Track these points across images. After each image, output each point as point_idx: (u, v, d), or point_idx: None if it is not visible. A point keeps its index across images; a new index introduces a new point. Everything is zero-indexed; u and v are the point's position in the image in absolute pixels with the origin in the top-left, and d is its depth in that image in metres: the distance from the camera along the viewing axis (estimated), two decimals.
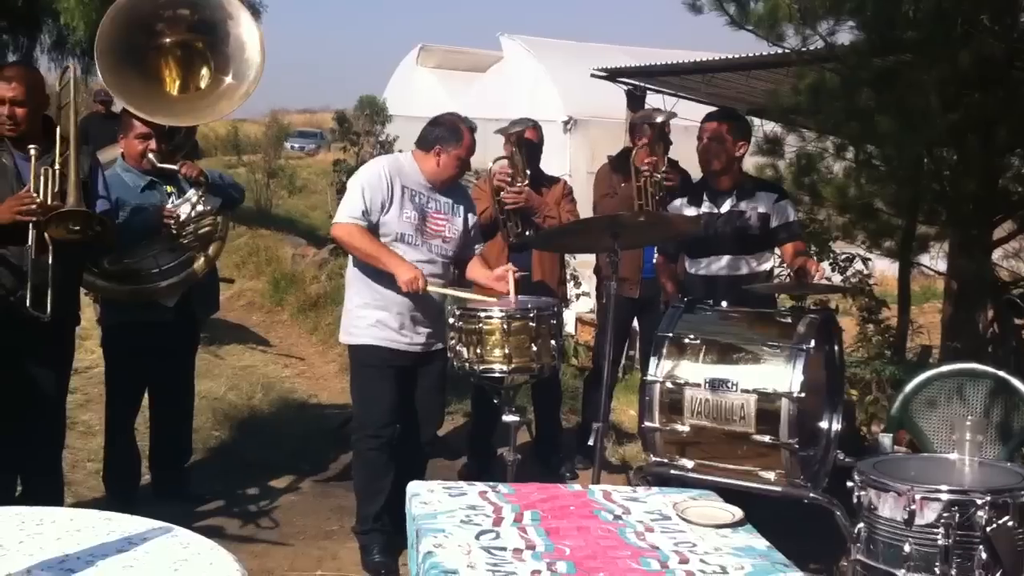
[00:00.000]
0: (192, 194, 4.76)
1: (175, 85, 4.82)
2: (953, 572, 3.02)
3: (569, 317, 8.66)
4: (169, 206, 4.72)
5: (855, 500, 3.27)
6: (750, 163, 6.06)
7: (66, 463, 4.72)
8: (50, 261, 3.94)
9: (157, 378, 5.01)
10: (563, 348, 4.49)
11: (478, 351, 4.02)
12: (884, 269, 8.83)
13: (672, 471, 3.95)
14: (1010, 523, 3.01)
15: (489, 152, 5.47)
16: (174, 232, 4.68)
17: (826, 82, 5.83)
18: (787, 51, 5.84)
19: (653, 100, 9.83)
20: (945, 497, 3.05)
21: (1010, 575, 3.00)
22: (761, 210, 4.66)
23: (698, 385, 3.89)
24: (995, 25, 5.12)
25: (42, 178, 3.96)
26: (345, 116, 17.29)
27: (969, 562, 3.03)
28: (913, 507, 3.06)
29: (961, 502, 3.04)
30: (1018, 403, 4.07)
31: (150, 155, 4.69)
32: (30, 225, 3.90)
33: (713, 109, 5.34)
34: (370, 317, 4.41)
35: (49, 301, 3.94)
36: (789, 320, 4.07)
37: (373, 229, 4.35)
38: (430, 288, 4.31)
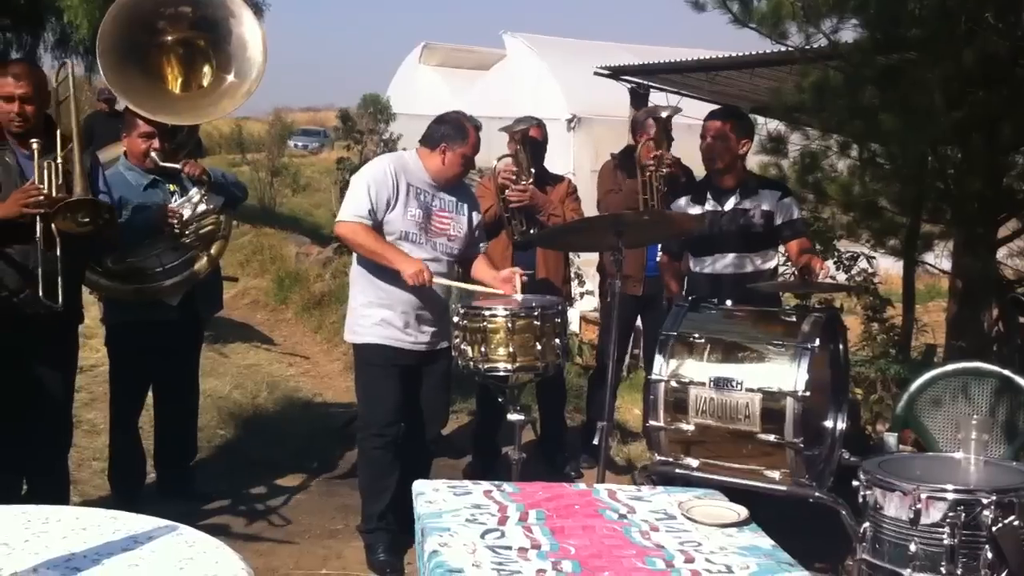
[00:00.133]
0: (195, 193, 4.76)
1: (177, 83, 4.83)
2: (959, 571, 3.01)
3: (573, 316, 8.64)
4: (172, 205, 4.72)
5: (860, 499, 3.26)
6: (754, 162, 6.06)
7: (72, 462, 4.71)
8: (58, 253, 3.93)
9: (161, 377, 5.01)
10: (567, 347, 4.49)
11: (482, 350, 4.02)
12: (888, 268, 8.82)
13: (677, 470, 3.95)
14: (1016, 522, 3.00)
15: (492, 150, 5.46)
16: (177, 231, 4.69)
17: (830, 80, 5.83)
18: (790, 49, 5.84)
19: (656, 98, 9.83)
20: (951, 496, 3.04)
21: (1016, 574, 3.00)
22: (765, 208, 4.66)
23: (703, 384, 3.89)
24: (999, 23, 5.12)
25: (46, 171, 3.96)
26: (349, 114, 17.30)
27: (975, 561, 3.02)
28: (919, 506, 3.06)
29: (967, 501, 3.03)
30: (1023, 402, 4.07)
31: (153, 154, 4.69)
32: (37, 219, 3.90)
33: (716, 107, 5.34)
34: (375, 316, 4.41)
35: (60, 291, 3.94)
36: (794, 319, 4.06)
37: (378, 227, 4.34)
38: (436, 280, 4.31)
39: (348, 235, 4.38)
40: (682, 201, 4.86)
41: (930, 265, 7.27)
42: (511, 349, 4.00)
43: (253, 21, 4.80)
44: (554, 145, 6.02)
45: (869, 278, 7.83)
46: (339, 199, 4.85)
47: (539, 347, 4.03)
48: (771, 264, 4.84)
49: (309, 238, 13.29)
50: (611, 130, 11.70)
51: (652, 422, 3.99)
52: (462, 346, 4.07)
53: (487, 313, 4.04)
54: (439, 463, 5.26)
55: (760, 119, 6.60)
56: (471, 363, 4.06)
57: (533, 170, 5.35)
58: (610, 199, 5.72)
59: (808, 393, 3.74)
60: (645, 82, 10.06)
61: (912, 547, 3.07)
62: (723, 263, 4.71)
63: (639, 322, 6.26)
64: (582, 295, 8.55)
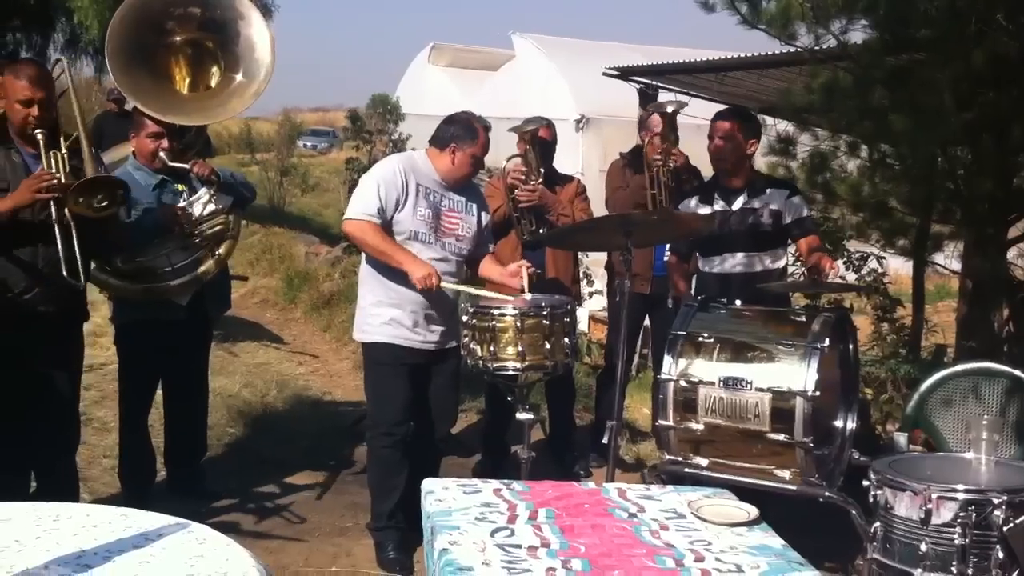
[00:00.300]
0: (204, 193, 4.77)
1: (185, 84, 4.84)
2: (970, 571, 3.01)
3: (582, 315, 8.66)
4: (181, 204, 4.73)
5: (871, 499, 3.26)
6: (763, 162, 6.05)
7: (82, 459, 4.73)
8: (74, 239, 3.94)
9: (170, 375, 5.02)
10: (576, 346, 4.49)
11: (492, 349, 4.01)
12: (898, 268, 8.81)
13: (686, 469, 3.95)
14: None
15: (501, 151, 5.46)
16: (186, 231, 4.70)
17: (839, 81, 5.81)
18: (799, 50, 5.83)
19: (665, 98, 9.82)
20: (961, 496, 3.04)
21: None
22: (773, 207, 4.66)
23: (712, 383, 3.89)
24: (1009, 24, 5.10)
25: (54, 161, 3.97)
26: (358, 114, 17.36)
27: (986, 561, 3.02)
28: (929, 506, 3.05)
29: (978, 501, 3.03)
30: None
31: (162, 154, 4.71)
32: (51, 204, 3.91)
33: (723, 107, 5.34)
34: (384, 315, 4.41)
35: (80, 269, 3.94)
36: (803, 318, 4.06)
37: (387, 227, 4.35)
38: (444, 285, 4.31)
39: (355, 232, 4.38)
40: (691, 202, 4.86)
41: (940, 265, 7.26)
42: (520, 348, 3.99)
43: (261, 23, 4.81)
44: (563, 145, 6.03)
45: (879, 278, 7.83)
46: (348, 199, 4.85)
47: (548, 346, 4.03)
48: (780, 263, 4.84)
49: (318, 238, 13.32)
50: (620, 130, 11.72)
51: (661, 421, 3.99)
52: (471, 345, 4.07)
53: (496, 312, 4.04)
54: (448, 462, 5.27)
55: (769, 120, 6.58)
56: (480, 362, 4.06)
57: (542, 170, 5.36)
58: (618, 196, 5.73)
59: (818, 393, 3.73)
60: (654, 82, 10.05)
61: (923, 547, 3.07)
62: (732, 263, 4.71)
63: (647, 321, 6.27)
64: (591, 295, 8.56)
